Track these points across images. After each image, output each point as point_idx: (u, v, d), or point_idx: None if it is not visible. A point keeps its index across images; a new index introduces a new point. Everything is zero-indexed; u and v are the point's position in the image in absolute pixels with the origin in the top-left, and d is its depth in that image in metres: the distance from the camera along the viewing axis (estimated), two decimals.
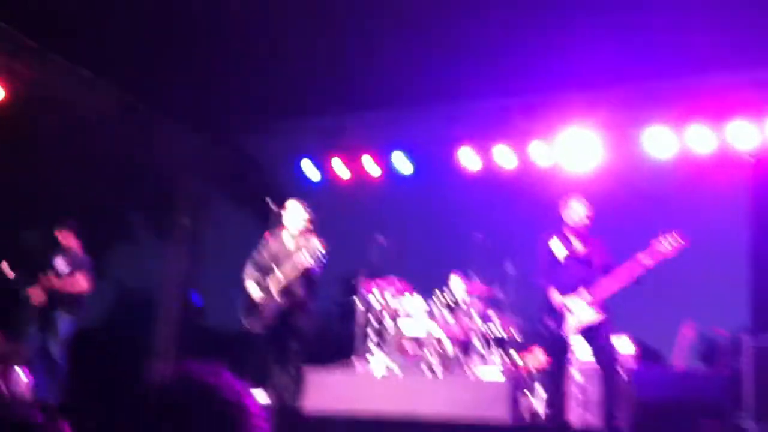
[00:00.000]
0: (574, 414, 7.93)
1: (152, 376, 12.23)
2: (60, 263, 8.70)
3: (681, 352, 8.88)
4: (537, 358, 8.39)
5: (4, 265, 8.63)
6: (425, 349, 8.27)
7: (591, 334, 6.90)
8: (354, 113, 12.22)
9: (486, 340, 8.81)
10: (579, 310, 6.83)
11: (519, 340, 8.94)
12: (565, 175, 11.01)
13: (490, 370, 8.35)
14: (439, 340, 8.38)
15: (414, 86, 11.01)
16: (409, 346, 8.40)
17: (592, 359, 7.33)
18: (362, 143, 12.19)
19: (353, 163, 12.17)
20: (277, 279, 7.54)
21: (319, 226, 7.99)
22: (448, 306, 8.78)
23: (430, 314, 8.79)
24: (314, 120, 12.52)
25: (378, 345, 8.61)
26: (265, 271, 7.70)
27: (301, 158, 12.64)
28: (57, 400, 8.53)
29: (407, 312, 8.76)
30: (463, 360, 8.47)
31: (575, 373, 8.10)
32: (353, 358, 8.60)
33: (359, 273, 8.89)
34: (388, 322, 8.68)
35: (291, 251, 7.69)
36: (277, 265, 7.62)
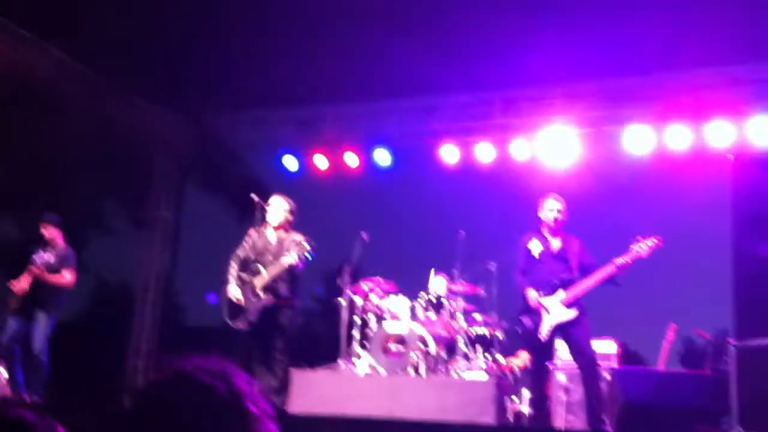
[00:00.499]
0: (557, 415, 8.01)
1: (148, 375, 12.14)
2: (45, 257, 8.59)
3: (665, 354, 8.98)
4: (520, 358, 8.44)
5: None
6: (409, 349, 8.28)
7: (569, 335, 6.94)
8: (334, 105, 12.17)
9: (470, 339, 8.85)
10: (554, 309, 6.88)
11: (502, 338, 9.00)
12: (544, 171, 11.06)
13: (474, 369, 8.39)
14: (423, 340, 8.40)
15: (394, 80, 10.98)
16: (394, 346, 8.40)
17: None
18: (341, 135, 12.14)
19: (332, 155, 12.12)
20: (261, 276, 7.48)
21: (300, 220, 7.95)
22: (432, 305, 8.80)
23: (414, 314, 8.81)
24: (294, 111, 12.46)
25: (363, 346, 8.61)
26: (248, 267, 7.63)
27: (280, 149, 12.57)
28: (39, 397, 8.45)
29: (392, 312, 8.77)
30: (447, 359, 8.50)
31: (558, 374, 8.17)
32: (338, 359, 8.60)
33: (343, 272, 8.87)
34: (372, 323, 8.69)
35: (274, 247, 7.64)
36: (261, 262, 7.56)
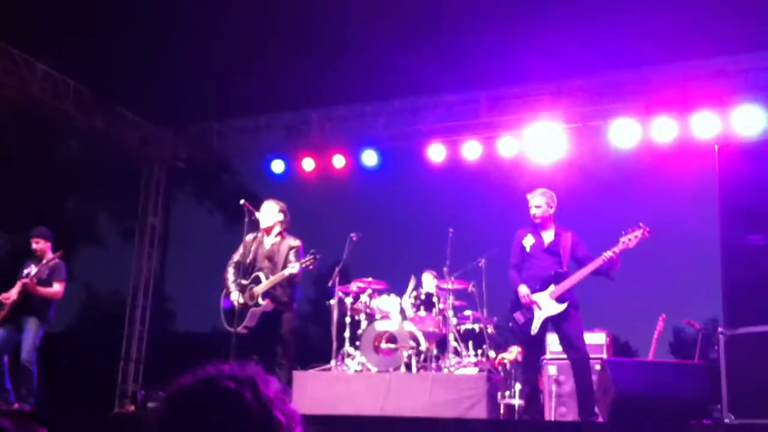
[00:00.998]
0: (549, 407, 8.02)
1: (127, 376, 12.11)
2: (36, 269, 8.57)
3: (654, 345, 9.01)
4: (511, 352, 8.45)
5: None
6: (401, 347, 8.29)
7: (561, 329, 6.95)
8: (320, 109, 12.18)
9: (460, 336, 8.86)
10: (545, 304, 6.89)
11: (492, 333, 9.01)
12: (531, 167, 11.09)
13: (465, 365, 8.40)
14: (414, 337, 8.40)
15: (380, 81, 11.00)
16: (385, 345, 8.41)
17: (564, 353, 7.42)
18: (328, 138, 12.14)
19: (319, 157, 12.11)
20: (261, 283, 7.39)
21: (293, 225, 7.89)
22: (423, 303, 8.81)
23: (405, 312, 8.81)
24: (280, 116, 12.47)
25: (354, 345, 8.61)
26: (245, 273, 7.55)
27: (267, 154, 12.56)
28: (30, 407, 8.42)
29: (383, 311, 8.77)
30: (438, 356, 8.51)
31: (550, 367, 8.19)
32: (330, 359, 8.59)
33: (333, 273, 8.86)
34: (363, 323, 8.69)
35: (269, 251, 7.56)
36: (258, 267, 7.47)
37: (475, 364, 8.41)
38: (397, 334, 8.43)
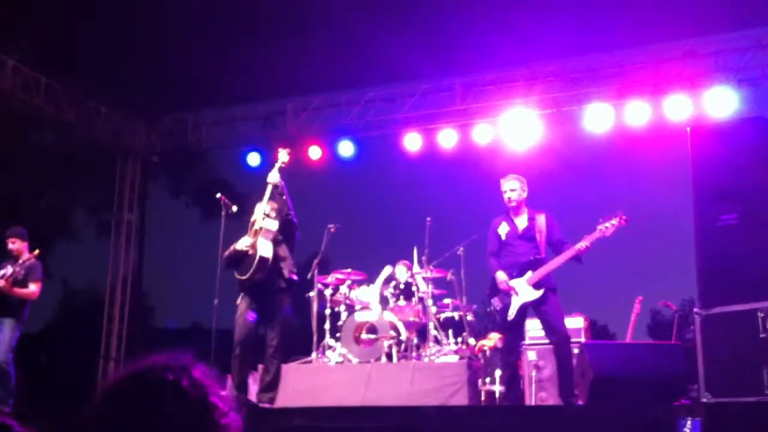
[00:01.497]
0: (529, 392, 8.07)
1: (107, 373, 12.06)
2: (12, 269, 8.47)
3: (632, 327, 9.09)
4: (491, 339, 8.49)
5: None
6: (381, 337, 8.30)
7: (541, 313, 6.99)
8: (295, 99, 12.13)
9: (440, 324, 8.89)
10: (522, 290, 6.93)
11: (472, 321, 9.05)
12: (507, 153, 11.11)
13: (446, 353, 8.44)
14: (394, 327, 8.42)
15: (354, 71, 10.97)
16: (365, 335, 8.42)
17: (545, 337, 7.46)
18: (304, 128, 12.10)
19: (294, 147, 12.03)
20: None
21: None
22: (402, 292, 8.82)
23: (385, 302, 8.82)
24: (255, 107, 12.41)
25: (334, 336, 8.61)
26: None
27: (243, 146, 12.50)
28: (8, 408, 8.34)
29: (362, 302, 8.78)
30: (418, 345, 8.53)
31: (529, 353, 8.23)
32: (311, 351, 8.59)
33: (312, 265, 8.85)
34: (343, 314, 8.69)
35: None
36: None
37: (456, 352, 8.44)
38: (377, 324, 8.44)
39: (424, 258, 8.81)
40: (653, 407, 5.58)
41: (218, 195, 7.85)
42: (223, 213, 7.87)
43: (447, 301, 9.25)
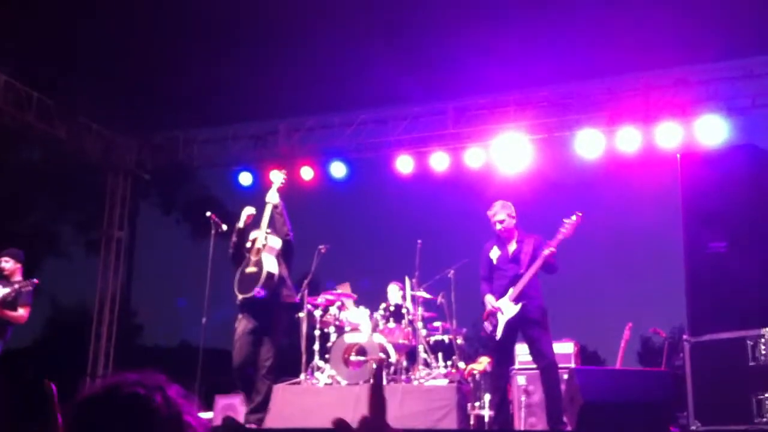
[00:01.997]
0: (518, 417, 8.05)
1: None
2: (3, 292, 8.38)
3: (621, 353, 9.10)
4: (481, 362, 8.48)
5: None
6: (371, 360, 8.27)
7: (530, 338, 6.97)
8: (287, 119, 12.16)
9: (430, 347, 8.87)
10: (505, 308, 6.94)
11: (462, 344, 9.03)
12: (498, 178, 11.15)
13: (435, 376, 8.41)
14: (384, 349, 8.39)
15: (347, 93, 11.02)
16: (354, 357, 8.39)
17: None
18: (296, 149, 12.11)
19: (287, 169, 12.02)
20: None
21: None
22: (392, 315, 8.80)
23: (375, 324, 8.80)
24: (247, 127, 12.42)
25: (324, 359, 8.57)
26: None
27: (234, 165, 12.50)
28: None
29: (352, 324, 8.75)
30: (408, 367, 8.51)
31: (519, 377, 8.22)
32: (300, 373, 8.55)
33: (302, 286, 8.82)
34: (333, 335, 8.66)
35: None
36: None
37: (445, 375, 8.42)
38: (367, 346, 8.41)
39: (414, 280, 8.80)
40: None
41: (208, 213, 7.84)
42: (213, 232, 7.86)
43: (437, 324, 9.24)
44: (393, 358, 8.39)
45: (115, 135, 12.53)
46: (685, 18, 9.06)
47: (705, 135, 9.91)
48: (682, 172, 6.63)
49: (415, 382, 8.21)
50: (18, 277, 8.50)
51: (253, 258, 6.84)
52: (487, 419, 7.88)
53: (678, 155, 6.83)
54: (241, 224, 6.98)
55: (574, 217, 6.97)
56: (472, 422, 8.03)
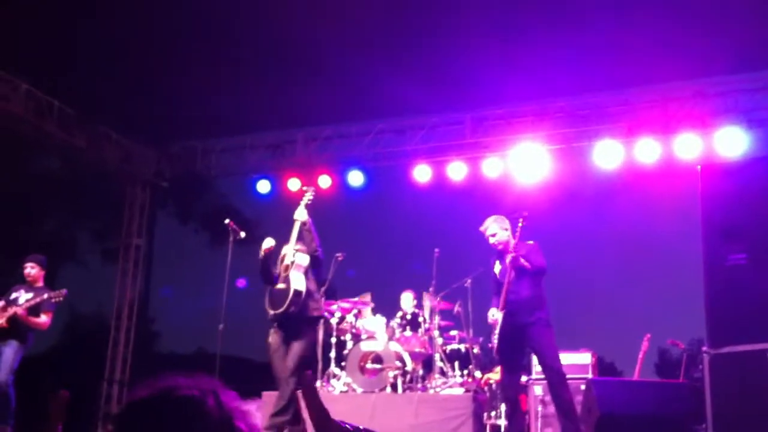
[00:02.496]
0: (534, 428, 8.01)
1: (113, 398, 12.03)
2: (27, 297, 8.45)
3: (639, 364, 9.04)
4: (497, 372, 8.45)
5: None
6: (386, 367, 8.27)
7: (536, 350, 6.89)
8: (306, 129, 12.21)
9: (446, 356, 8.86)
10: (500, 317, 6.91)
11: (478, 354, 9.01)
12: (516, 187, 11.13)
13: (451, 385, 8.39)
14: (400, 357, 8.39)
15: (366, 102, 11.05)
16: (370, 365, 8.39)
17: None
18: (314, 158, 12.16)
19: (305, 177, 12.08)
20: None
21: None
22: (409, 323, 8.80)
23: (391, 332, 8.80)
24: (266, 135, 12.48)
25: (340, 366, 8.58)
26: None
27: (253, 174, 12.56)
28: (9, 427, 8.30)
29: (368, 331, 8.76)
30: (424, 376, 8.50)
31: (536, 387, 8.18)
32: (317, 381, 8.55)
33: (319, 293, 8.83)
34: (349, 343, 8.67)
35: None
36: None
37: (461, 385, 8.40)
38: (383, 354, 8.41)
39: (431, 289, 8.80)
40: None
41: (226, 221, 7.89)
42: (230, 239, 7.90)
43: (453, 333, 9.22)
44: (409, 366, 8.39)
45: (134, 144, 12.62)
46: (703, 30, 9.03)
47: (725, 147, 9.87)
48: (703, 183, 6.57)
49: (431, 391, 8.20)
50: (40, 283, 8.57)
51: (282, 274, 6.98)
52: (503, 429, 7.85)
53: (699, 167, 6.78)
54: (261, 255, 7.06)
55: (520, 220, 6.93)
56: (487, 430, 8.00)
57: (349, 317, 8.94)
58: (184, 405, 1.63)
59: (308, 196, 7.20)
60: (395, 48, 9.76)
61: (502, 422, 7.82)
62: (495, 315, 6.93)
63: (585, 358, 8.44)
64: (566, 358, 8.34)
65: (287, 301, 6.79)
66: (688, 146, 10.08)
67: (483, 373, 8.69)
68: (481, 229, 7.21)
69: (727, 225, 6.30)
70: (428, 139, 11.69)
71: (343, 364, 8.55)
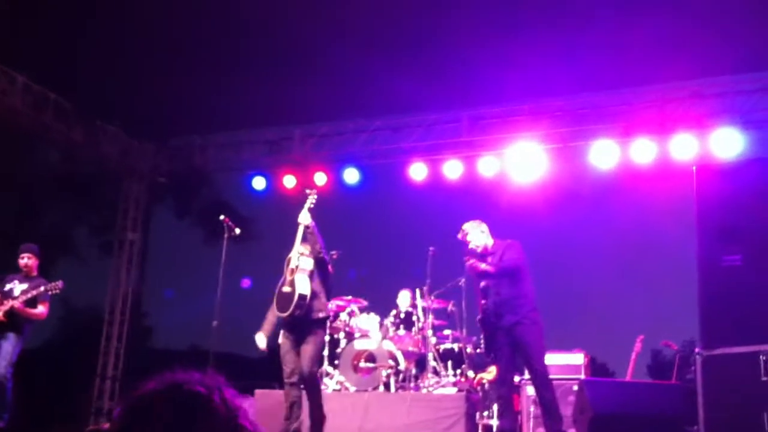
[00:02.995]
0: (527, 428, 8.01)
1: (106, 393, 12.02)
2: (23, 288, 8.44)
3: (632, 365, 9.04)
4: (490, 372, 8.44)
5: None
6: (379, 366, 8.26)
7: (520, 351, 6.85)
8: (302, 126, 12.18)
9: (440, 355, 8.85)
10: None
11: (471, 353, 9.00)
12: (512, 186, 11.12)
13: (444, 384, 8.38)
14: (393, 356, 8.38)
15: (362, 100, 11.03)
16: (364, 364, 8.38)
17: None
18: (310, 154, 12.13)
19: (301, 174, 12.06)
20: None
21: (268, 239, 7.78)
22: (402, 322, 8.79)
23: (385, 331, 8.79)
24: (262, 132, 12.45)
25: (333, 365, 8.57)
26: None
27: (249, 170, 12.53)
28: (3, 423, 8.29)
29: (362, 330, 8.75)
30: (417, 375, 8.49)
31: (528, 387, 8.18)
32: None
33: None
34: (342, 342, 8.66)
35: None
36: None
37: (454, 384, 8.39)
38: (376, 353, 8.40)
39: (425, 288, 8.79)
40: None
41: (221, 217, 7.89)
42: (225, 235, 7.89)
43: (447, 332, 9.21)
44: (402, 365, 8.38)
45: (132, 139, 12.59)
46: (701, 31, 9.01)
47: (720, 148, 9.86)
48: (698, 184, 6.57)
49: (424, 390, 8.19)
50: (34, 273, 8.58)
51: (288, 277, 7.06)
52: (495, 429, 7.84)
53: (694, 167, 6.78)
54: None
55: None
56: (479, 430, 7.99)
57: (343, 315, 8.93)
58: (191, 400, 1.63)
59: (311, 200, 7.25)
60: (393, 46, 9.74)
61: (495, 422, 7.81)
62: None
63: (578, 358, 8.44)
64: (559, 359, 8.35)
65: (292, 305, 6.90)
66: (684, 147, 10.07)
67: (476, 373, 8.67)
68: (459, 236, 7.24)
69: (721, 226, 6.30)
70: (425, 137, 11.67)
71: (336, 362, 8.53)
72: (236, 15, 9.31)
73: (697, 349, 6.22)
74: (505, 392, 7.09)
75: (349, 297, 9.20)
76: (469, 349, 8.96)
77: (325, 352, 8.69)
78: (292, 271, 7.04)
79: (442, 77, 10.50)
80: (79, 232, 19.06)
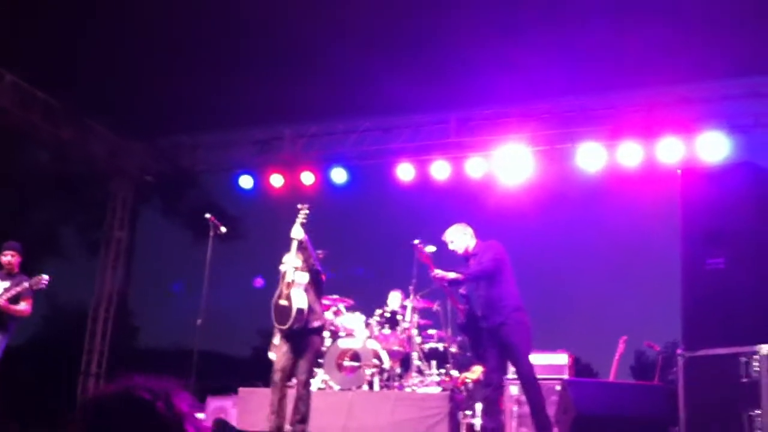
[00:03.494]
0: (510, 427, 8.03)
1: (89, 391, 11.98)
2: (5, 286, 8.39)
3: (615, 366, 9.08)
4: (474, 371, 8.47)
5: None
6: (364, 365, 8.27)
7: (506, 351, 6.86)
8: (291, 125, 12.18)
9: (424, 354, 8.86)
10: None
11: (456, 352, 9.02)
12: (499, 188, 11.15)
13: (428, 384, 8.40)
14: (377, 355, 8.39)
15: (351, 100, 11.04)
16: (348, 362, 8.38)
17: None
18: (299, 154, 12.13)
19: (289, 174, 12.06)
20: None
21: (255, 238, 7.79)
22: (388, 321, 8.80)
23: (370, 330, 8.79)
24: (251, 131, 12.43)
25: (317, 363, 8.56)
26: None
27: (237, 169, 12.51)
28: None
29: (347, 329, 8.75)
30: (401, 374, 8.49)
31: (511, 387, 8.20)
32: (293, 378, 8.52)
33: None
34: (327, 340, 8.65)
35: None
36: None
37: (438, 383, 8.41)
38: (361, 352, 8.41)
39: (411, 287, 8.80)
40: None
41: (207, 215, 7.88)
42: (211, 233, 7.88)
43: (432, 331, 9.23)
44: (386, 364, 8.39)
45: (120, 138, 12.55)
46: (689, 37, 9.07)
47: (706, 152, 9.93)
48: (683, 187, 6.62)
49: (408, 390, 8.20)
50: (17, 270, 8.53)
51: (285, 291, 7.07)
52: (478, 428, 7.86)
53: (679, 171, 6.82)
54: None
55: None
56: (463, 431, 8.01)
57: (328, 314, 8.92)
58: (136, 406, 1.67)
59: (303, 214, 7.24)
60: (385, 48, 9.76)
61: (478, 421, 7.83)
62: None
63: (561, 358, 8.48)
64: (543, 359, 8.38)
65: (291, 320, 6.93)
66: (671, 150, 10.14)
67: (460, 372, 8.69)
68: (443, 239, 7.27)
69: (706, 229, 6.34)
70: (413, 137, 11.69)
71: (320, 361, 8.53)
72: (228, 15, 9.31)
73: (679, 351, 6.26)
74: (490, 393, 7.10)
75: (335, 296, 9.20)
76: (453, 349, 8.98)
77: None
78: (289, 285, 7.06)
79: (432, 79, 10.52)
80: (66, 231, 18.99)
